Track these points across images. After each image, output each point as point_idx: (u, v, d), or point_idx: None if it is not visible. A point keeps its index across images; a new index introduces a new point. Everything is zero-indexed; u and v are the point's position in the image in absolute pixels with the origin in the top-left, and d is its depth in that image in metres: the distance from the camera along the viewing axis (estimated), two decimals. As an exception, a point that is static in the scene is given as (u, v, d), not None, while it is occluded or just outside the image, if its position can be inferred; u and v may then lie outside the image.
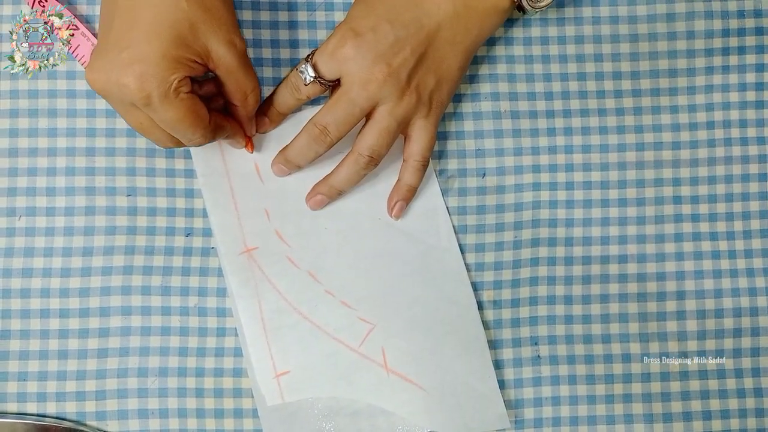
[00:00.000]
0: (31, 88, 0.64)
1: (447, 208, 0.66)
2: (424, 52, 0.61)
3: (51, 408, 0.63)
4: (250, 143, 0.63)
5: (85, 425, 0.63)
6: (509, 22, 0.67)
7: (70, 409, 0.63)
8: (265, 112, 0.64)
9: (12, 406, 0.63)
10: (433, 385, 0.64)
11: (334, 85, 0.62)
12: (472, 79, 0.67)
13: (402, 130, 0.63)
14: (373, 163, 0.62)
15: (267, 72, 0.66)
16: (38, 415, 0.63)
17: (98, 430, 0.63)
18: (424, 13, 0.60)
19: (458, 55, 0.62)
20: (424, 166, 0.64)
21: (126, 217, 0.64)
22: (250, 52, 0.66)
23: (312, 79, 0.61)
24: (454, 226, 0.66)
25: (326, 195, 0.64)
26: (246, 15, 0.66)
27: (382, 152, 0.62)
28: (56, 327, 0.64)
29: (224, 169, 0.64)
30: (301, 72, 0.61)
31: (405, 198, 0.65)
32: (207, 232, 0.65)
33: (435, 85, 0.62)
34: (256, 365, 0.63)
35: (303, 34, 0.67)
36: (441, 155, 0.66)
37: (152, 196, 0.64)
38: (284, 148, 0.63)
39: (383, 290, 0.65)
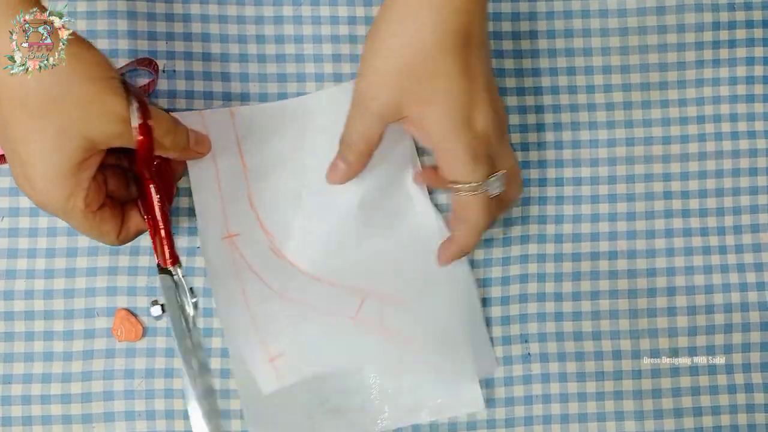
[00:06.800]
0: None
1: (436, 206, 0.65)
2: None
3: (36, 411, 0.62)
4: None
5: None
6: (498, 16, 0.67)
7: (55, 411, 0.62)
8: None
9: (-4, 410, 0.63)
10: (430, 347, 0.62)
11: None
12: (461, 74, 0.66)
13: None
14: None
15: (253, 68, 0.65)
16: (23, 418, 0.62)
17: (84, 433, 0.62)
18: (489, 51, 0.57)
19: None
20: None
21: (110, 216, 0.63)
22: (236, 48, 0.65)
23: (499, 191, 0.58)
24: (443, 220, 0.64)
25: None
26: (231, 10, 0.65)
27: None
28: (41, 329, 0.63)
29: (210, 153, 0.63)
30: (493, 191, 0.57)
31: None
32: (192, 231, 0.64)
33: None
34: (247, 354, 0.61)
35: (288, 30, 0.66)
36: (430, 152, 0.65)
37: (137, 195, 0.64)
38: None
39: (372, 268, 0.63)
